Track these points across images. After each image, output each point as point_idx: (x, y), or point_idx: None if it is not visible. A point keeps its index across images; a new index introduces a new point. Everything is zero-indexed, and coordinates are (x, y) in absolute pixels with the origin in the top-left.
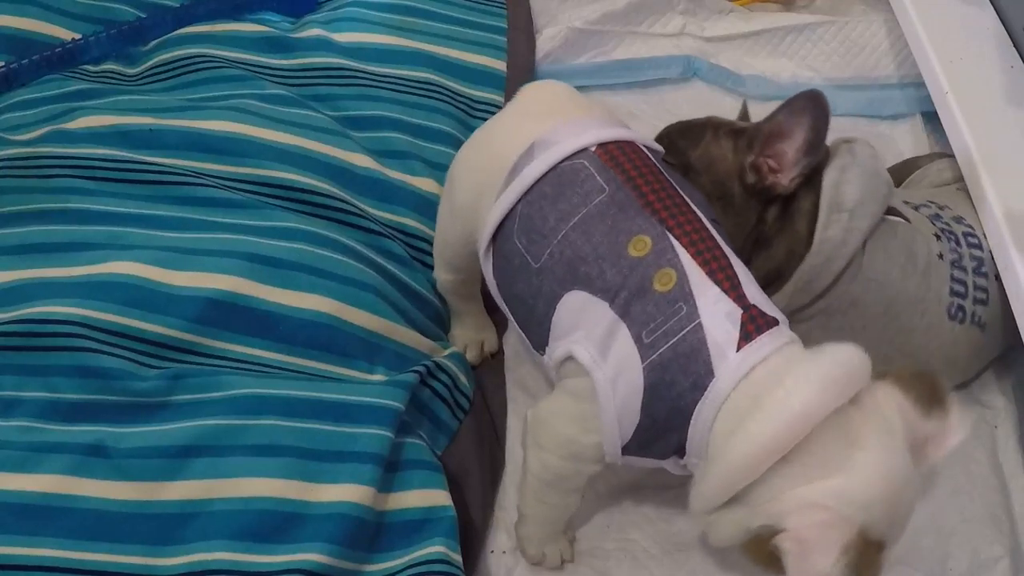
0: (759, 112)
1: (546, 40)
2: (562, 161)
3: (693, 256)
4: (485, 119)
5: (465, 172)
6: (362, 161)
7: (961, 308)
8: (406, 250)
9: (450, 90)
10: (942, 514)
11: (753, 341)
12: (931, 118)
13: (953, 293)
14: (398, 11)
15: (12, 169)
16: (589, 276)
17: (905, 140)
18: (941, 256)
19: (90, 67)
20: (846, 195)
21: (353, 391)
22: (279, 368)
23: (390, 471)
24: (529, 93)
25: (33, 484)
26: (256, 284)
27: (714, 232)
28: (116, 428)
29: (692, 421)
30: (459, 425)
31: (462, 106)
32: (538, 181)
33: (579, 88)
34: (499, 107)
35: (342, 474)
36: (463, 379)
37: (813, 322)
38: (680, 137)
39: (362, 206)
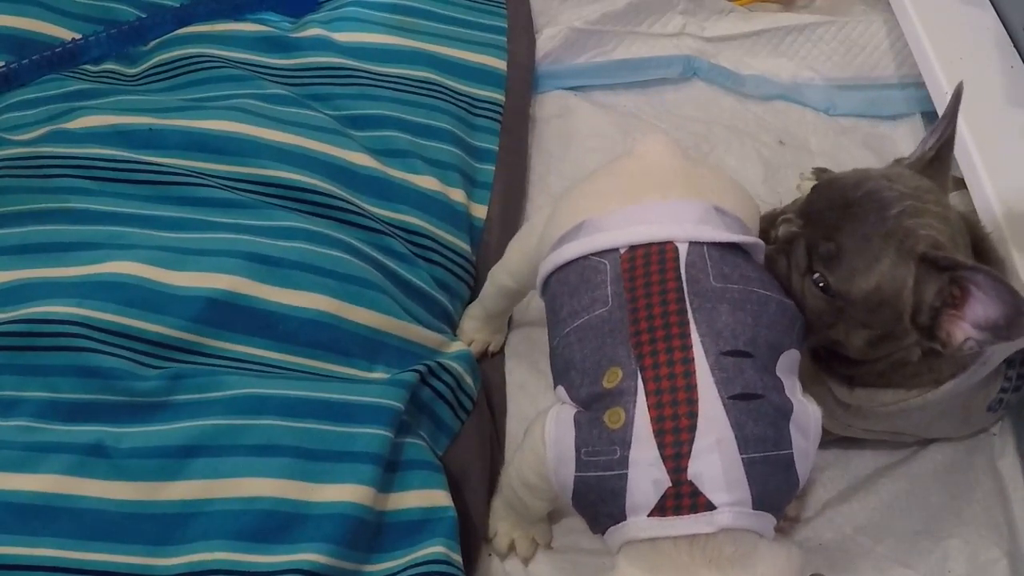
0: (759, 112)
1: (546, 40)
2: (592, 254)
3: (650, 407)
4: (486, 117)
5: (564, 203)
6: (362, 160)
7: (1001, 400)
8: (407, 247)
9: (451, 89)
10: (941, 517)
11: (666, 518)
12: (931, 118)
13: (1002, 390)
14: (398, 11)
15: (12, 169)
16: (572, 382)
17: (905, 140)
18: (1006, 361)
19: (90, 67)
20: (995, 358)
21: (353, 391)
22: (279, 367)
23: (390, 471)
24: (638, 154)
25: (33, 484)
26: (256, 283)
27: (707, 378)
28: (116, 428)
29: (606, 536)
30: (461, 426)
31: (463, 105)
32: (568, 264)
33: (579, 88)
34: (500, 106)
35: (342, 474)
36: (468, 380)
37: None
38: (851, 239)
39: (363, 205)
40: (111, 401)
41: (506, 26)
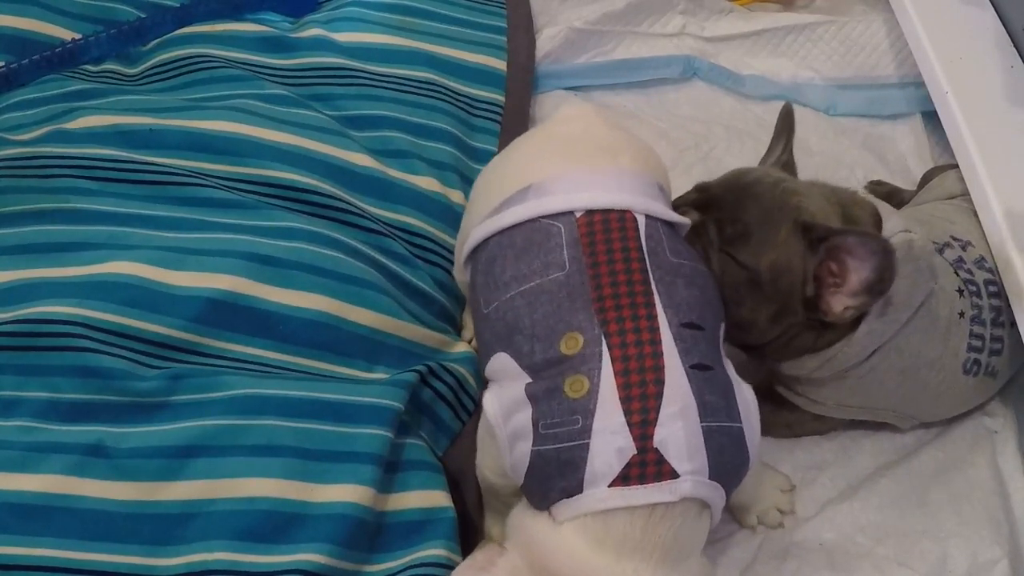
0: (759, 112)
1: (546, 40)
2: (543, 217)
3: (617, 374)
4: (486, 118)
5: (481, 183)
6: (362, 160)
7: (976, 362)
8: (407, 248)
9: (450, 89)
10: (941, 517)
11: (629, 487)
12: (931, 118)
13: (970, 348)
14: (398, 11)
15: (12, 169)
16: (520, 348)
17: (905, 140)
18: (962, 314)
19: (90, 67)
20: (898, 293)
21: (353, 391)
22: (279, 368)
23: (390, 471)
24: (562, 119)
25: (33, 484)
26: (256, 284)
27: (671, 347)
28: (116, 428)
29: (554, 509)
30: (462, 427)
31: (463, 105)
32: (514, 227)
33: (579, 88)
34: (500, 106)
35: (342, 474)
36: (471, 381)
37: (827, 379)
38: (756, 220)
39: (362, 205)
40: (111, 401)
41: (506, 26)
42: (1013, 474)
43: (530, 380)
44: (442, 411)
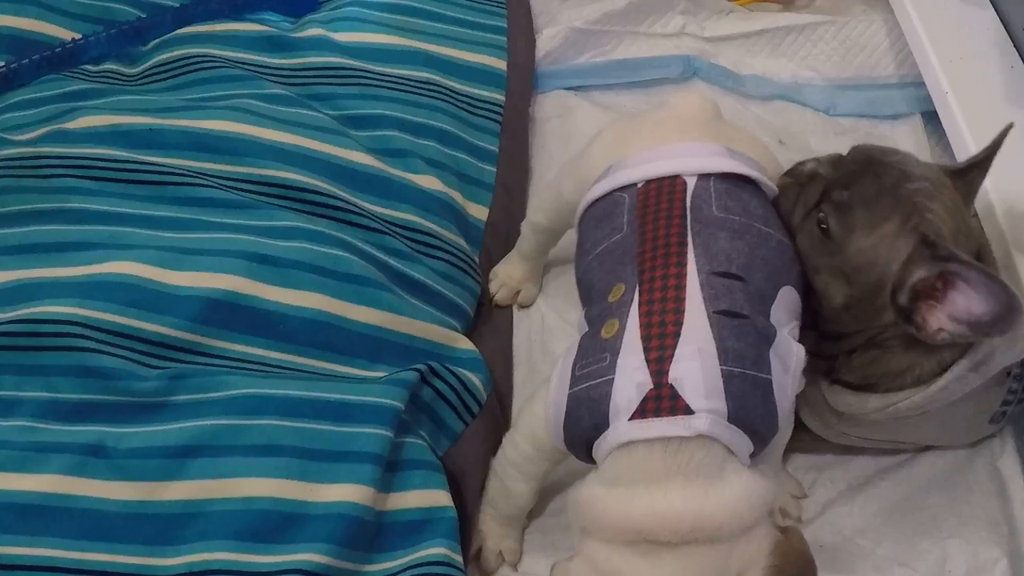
0: (759, 112)
1: (546, 40)
2: (615, 190)
3: (641, 316)
4: (486, 118)
5: (600, 145)
6: (362, 159)
7: (1004, 413)
8: (408, 244)
9: (451, 89)
10: (941, 517)
11: (646, 420)
12: (931, 118)
13: (1004, 403)
14: (398, 11)
15: (12, 169)
16: (591, 303)
17: (905, 140)
18: (1009, 373)
19: (90, 67)
20: (995, 363)
21: (353, 390)
22: (279, 367)
23: (390, 471)
24: (674, 104)
25: (33, 484)
26: (256, 283)
27: (696, 292)
28: (116, 428)
29: (592, 451)
30: (465, 428)
31: (463, 105)
32: (598, 200)
33: (579, 88)
34: (500, 106)
35: (342, 474)
36: (476, 382)
37: (873, 420)
38: (865, 198)
39: (362, 204)
40: (111, 401)
41: (506, 26)
42: (1013, 475)
43: (587, 330)
44: (443, 411)
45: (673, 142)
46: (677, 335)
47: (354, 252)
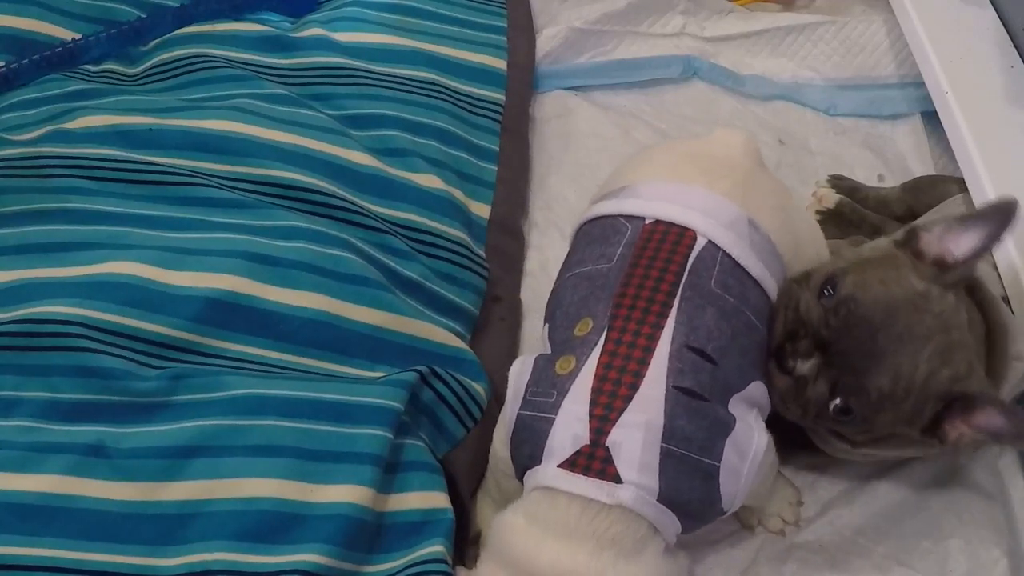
0: (759, 112)
1: (546, 40)
2: (621, 215)
3: (599, 366)
4: (486, 117)
5: (626, 163)
6: (362, 159)
7: None
8: (409, 244)
9: (451, 89)
10: (942, 517)
11: (572, 473)
12: (931, 118)
13: None
14: (398, 11)
15: (12, 169)
16: (555, 322)
17: (905, 140)
18: None
19: (90, 67)
20: None
21: (353, 391)
22: (280, 367)
23: (390, 472)
24: (710, 139)
25: (33, 484)
26: (256, 283)
27: (663, 361)
28: (116, 428)
29: (524, 479)
30: (466, 433)
31: (463, 104)
32: (600, 218)
33: (579, 88)
34: (500, 105)
35: (341, 474)
36: (477, 388)
37: None
38: (881, 383)
39: (363, 203)
40: (111, 401)
41: (506, 26)
42: (1013, 475)
43: (547, 352)
44: (444, 414)
45: (700, 185)
46: (628, 399)
47: (355, 252)
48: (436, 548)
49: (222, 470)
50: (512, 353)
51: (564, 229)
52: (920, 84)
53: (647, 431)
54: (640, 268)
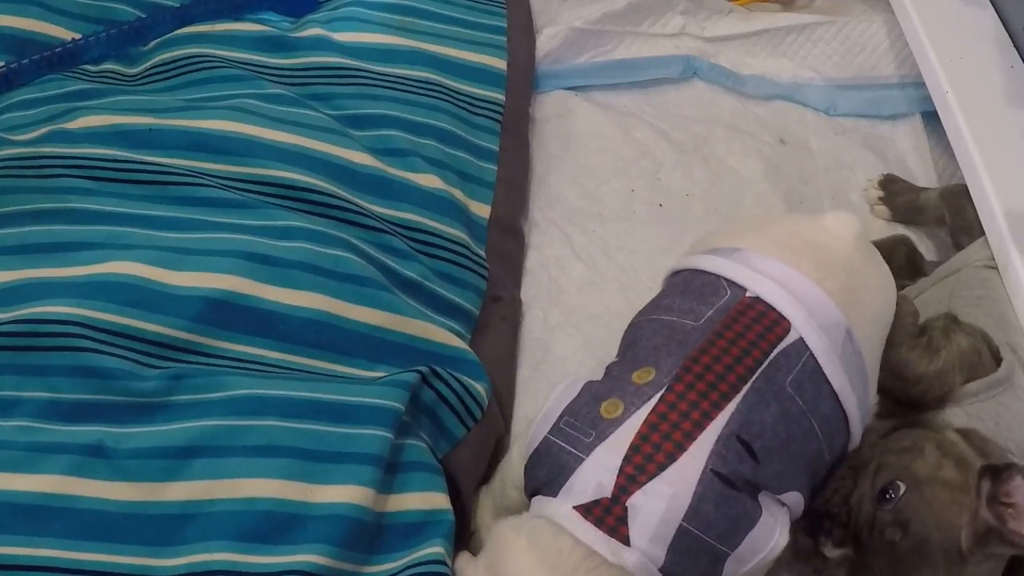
0: (759, 112)
1: (546, 40)
2: (724, 277)
3: (645, 425)
4: (487, 117)
5: (739, 225)
6: (362, 159)
7: None
8: (409, 244)
9: (451, 89)
10: None
11: (585, 521)
12: (931, 118)
13: None
14: (398, 11)
15: (12, 169)
16: (621, 358)
17: (905, 140)
18: None
19: (90, 67)
20: None
21: (353, 391)
22: (280, 367)
23: (390, 472)
24: (824, 224)
25: (33, 484)
26: (256, 283)
27: (708, 442)
28: (116, 428)
29: (532, 500)
30: (466, 433)
31: (463, 104)
32: (703, 272)
33: (579, 88)
34: (500, 105)
35: (341, 475)
36: (478, 388)
37: None
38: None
39: (363, 203)
40: (111, 401)
41: (506, 26)
42: None
43: (598, 380)
44: (444, 415)
45: (809, 272)
46: (663, 467)
47: (354, 252)
48: (436, 549)
49: (222, 470)
50: (512, 353)
51: (564, 229)
52: (920, 84)
53: (670, 504)
54: (724, 340)
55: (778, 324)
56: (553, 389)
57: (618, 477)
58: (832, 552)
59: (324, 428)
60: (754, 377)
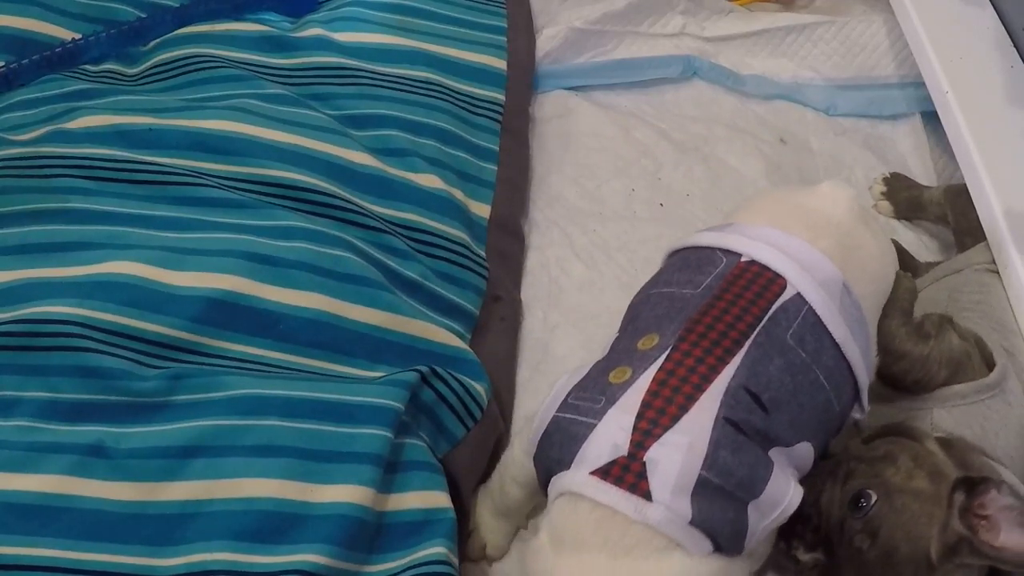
0: (760, 112)
1: (546, 40)
2: (719, 248)
3: (654, 383)
4: (487, 117)
5: (738, 209)
6: (362, 159)
7: None
8: (408, 244)
9: (451, 88)
10: None
11: (604, 482)
12: (931, 118)
13: None
14: (398, 11)
15: (12, 169)
16: (622, 334)
17: (905, 140)
18: None
19: (90, 67)
20: None
21: (353, 391)
22: (280, 367)
23: (390, 472)
24: (817, 192)
25: (33, 484)
26: (256, 283)
27: (717, 393)
28: (116, 428)
29: (549, 487)
30: (466, 433)
31: (463, 104)
32: (700, 248)
33: (579, 88)
34: (500, 105)
35: (342, 474)
36: (478, 388)
37: None
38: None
39: (363, 203)
40: (111, 401)
41: (506, 26)
42: None
43: (603, 359)
44: (444, 414)
45: (800, 233)
46: (676, 418)
47: (354, 252)
48: (437, 549)
49: (222, 470)
50: (512, 353)
51: (565, 229)
52: (920, 84)
53: (688, 454)
54: (723, 302)
55: (774, 282)
56: (557, 383)
57: (633, 434)
58: (804, 556)
59: (324, 428)
60: (755, 332)
